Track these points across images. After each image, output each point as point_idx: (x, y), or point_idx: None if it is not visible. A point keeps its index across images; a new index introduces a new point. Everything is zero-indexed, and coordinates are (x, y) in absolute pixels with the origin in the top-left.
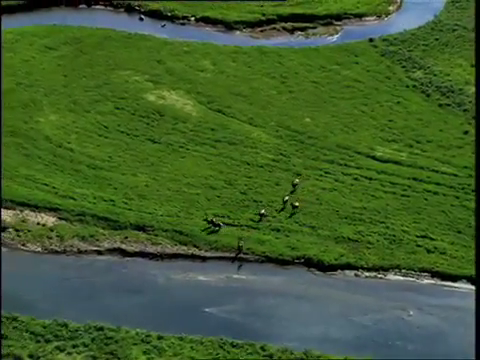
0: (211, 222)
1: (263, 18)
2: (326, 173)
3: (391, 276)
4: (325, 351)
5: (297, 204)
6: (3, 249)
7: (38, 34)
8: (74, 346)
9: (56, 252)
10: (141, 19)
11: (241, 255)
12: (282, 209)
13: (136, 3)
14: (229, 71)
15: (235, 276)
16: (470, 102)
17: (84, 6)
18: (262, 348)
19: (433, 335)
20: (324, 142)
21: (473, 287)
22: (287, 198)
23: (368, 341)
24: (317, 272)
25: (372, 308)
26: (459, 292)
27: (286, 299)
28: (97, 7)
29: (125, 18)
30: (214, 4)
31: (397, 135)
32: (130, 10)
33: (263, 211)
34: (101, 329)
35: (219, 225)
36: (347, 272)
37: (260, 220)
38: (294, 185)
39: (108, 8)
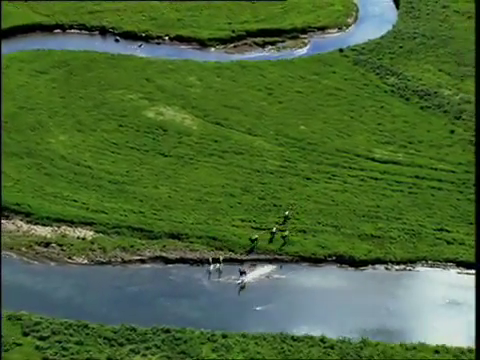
0: (216, 260)
1: (234, 34)
2: (334, 176)
3: (419, 268)
4: (380, 339)
5: (286, 234)
6: (51, 263)
7: (25, 59)
8: (147, 348)
9: (102, 263)
10: (117, 40)
11: (276, 256)
12: (271, 240)
13: (110, 25)
14: (216, 86)
15: (275, 276)
16: (448, 104)
17: (59, 31)
18: (321, 340)
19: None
20: (324, 147)
21: None
22: (275, 229)
23: (416, 328)
24: (349, 268)
25: (410, 298)
26: None
27: (329, 294)
28: (72, 31)
29: (101, 40)
30: (184, 23)
31: (389, 137)
32: (104, 32)
33: (256, 236)
34: (168, 331)
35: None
36: (377, 266)
37: (252, 249)
38: (285, 217)
39: (83, 32)
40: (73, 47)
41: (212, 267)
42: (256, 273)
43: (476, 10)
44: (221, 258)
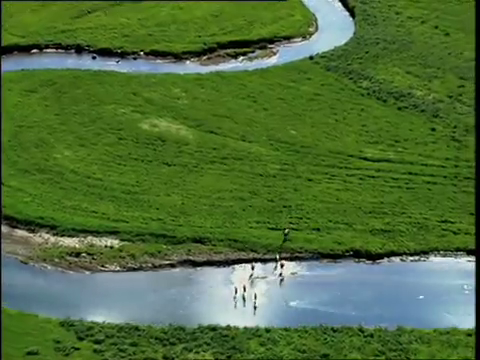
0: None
1: (205, 47)
2: (333, 176)
3: (433, 258)
4: (414, 327)
5: (283, 263)
6: (86, 272)
7: (13, 79)
8: (198, 346)
9: (134, 269)
10: (94, 58)
11: (297, 254)
12: (275, 267)
13: (85, 43)
14: (202, 96)
15: (300, 273)
16: (423, 103)
17: (36, 51)
18: (360, 330)
19: None
20: (317, 150)
21: None
22: (278, 256)
23: (445, 315)
24: (367, 261)
25: (432, 287)
26: None
27: (353, 287)
28: (48, 51)
29: (78, 58)
30: (156, 38)
31: (376, 137)
32: (80, 50)
33: (254, 264)
34: (214, 329)
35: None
36: (393, 259)
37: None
38: (285, 234)
39: (59, 50)
40: (54, 66)
41: (238, 294)
42: (284, 271)
43: (476, 10)
44: (246, 286)
